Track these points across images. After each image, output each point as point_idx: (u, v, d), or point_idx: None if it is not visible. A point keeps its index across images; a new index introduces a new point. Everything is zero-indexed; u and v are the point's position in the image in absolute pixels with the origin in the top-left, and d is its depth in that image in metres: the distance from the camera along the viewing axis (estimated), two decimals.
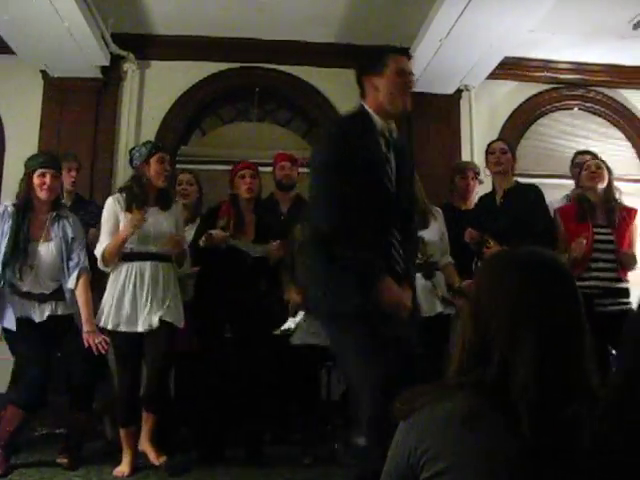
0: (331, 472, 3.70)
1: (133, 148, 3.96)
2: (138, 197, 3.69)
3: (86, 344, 3.60)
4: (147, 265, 3.65)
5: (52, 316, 3.70)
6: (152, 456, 3.63)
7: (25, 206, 3.69)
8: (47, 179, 3.69)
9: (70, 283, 3.72)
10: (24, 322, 3.63)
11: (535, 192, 4.11)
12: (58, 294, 3.73)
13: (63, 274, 3.72)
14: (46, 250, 3.70)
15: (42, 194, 3.70)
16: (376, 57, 2.82)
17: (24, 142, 5.44)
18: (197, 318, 3.97)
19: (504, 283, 1.26)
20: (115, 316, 3.60)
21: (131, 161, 3.86)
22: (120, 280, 3.63)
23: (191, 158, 5.75)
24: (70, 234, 3.77)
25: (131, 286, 3.61)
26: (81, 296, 3.72)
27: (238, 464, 3.79)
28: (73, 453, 3.73)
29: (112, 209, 3.71)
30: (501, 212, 4.04)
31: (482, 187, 4.79)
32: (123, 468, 3.58)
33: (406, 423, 1.23)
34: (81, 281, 3.74)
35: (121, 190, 3.81)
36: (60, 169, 3.86)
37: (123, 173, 5.38)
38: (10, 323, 3.60)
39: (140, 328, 3.59)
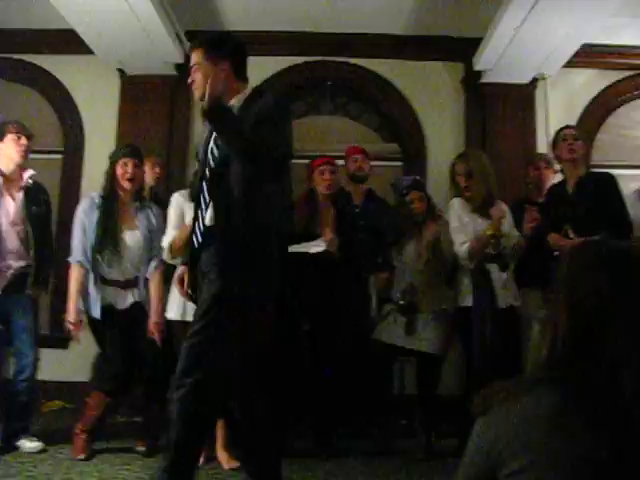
0: (406, 466, 3.71)
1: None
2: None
3: (152, 334, 3.74)
4: None
5: (133, 303, 3.84)
6: (224, 460, 3.67)
7: (111, 196, 3.84)
8: (129, 168, 3.83)
9: (148, 272, 3.86)
10: (107, 310, 3.75)
11: (608, 180, 3.95)
12: (135, 282, 3.87)
13: (144, 262, 3.87)
14: (133, 238, 3.85)
15: (125, 183, 3.84)
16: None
17: (103, 139, 5.61)
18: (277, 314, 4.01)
19: (616, 277, 1.20)
20: (179, 306, 3.67)
21: (197, 154, 3.92)
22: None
23: None
24: (154, 224, 3.92)
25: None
26: (156, 287, 3.86)
27: (308, 456, 3.83)
28: (149, 441, 3.84)
29: (177, 203, 3.79)
30: (574, 201, 3.91)
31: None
32: None
33: (484, 419, 1.21)
34: (157, 272, 3.88)
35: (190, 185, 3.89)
36: (142, 160, 3.99)
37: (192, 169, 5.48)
38: (96, 311, 3.73)
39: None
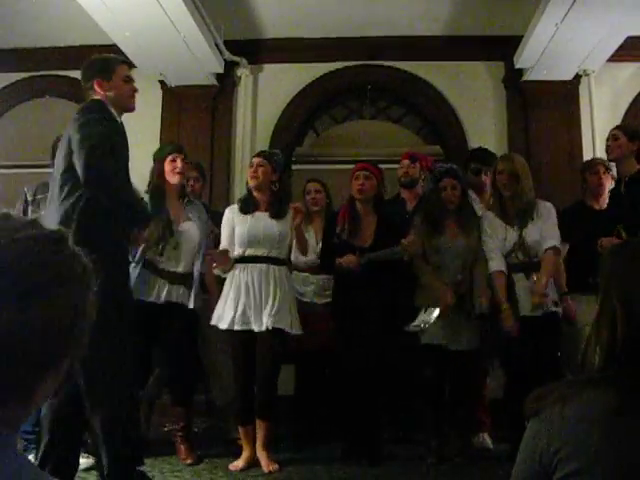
0: (455, 472, 3.67)
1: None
2: (247, 203, 3.92)
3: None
4: (257, 267, 3.77)
5: (170, 302, 3.84)
6: (264, 463, 3.68)
7: (159, 192, 3.87)
8: (178, 163, 3.92)
9: (202, 266, 3.94)
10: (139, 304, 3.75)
11: None
12: (188, 278, 3.90)
13: (198, 257, 3.94)
14: (189, 228, 3.94)
15: (174, 178, 3.92)
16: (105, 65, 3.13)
17: (146, 152, 5.66)
18: (335, 319, 4.03)
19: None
20: (229, 315, 3.72)
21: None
22: (234, 282, 3.78)
23: (306, 158, 5.83)
24: (204, 217, 4.05)
25: (243, 288, 3.74)
26: (211, 282, 4.01)
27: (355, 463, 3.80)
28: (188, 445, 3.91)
29: (226, 218, 3.94)
30: (625, 201, 3.85)
31: None
32: (238, 462, 3.70)
33: (536, 421, 1.19)
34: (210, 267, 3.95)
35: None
36: (186, 156, 4.06)
37: (240, 177, 5.53)
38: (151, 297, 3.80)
39: (254, 327, 3.70)
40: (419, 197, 4.53)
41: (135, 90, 3.21)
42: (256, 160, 3.95)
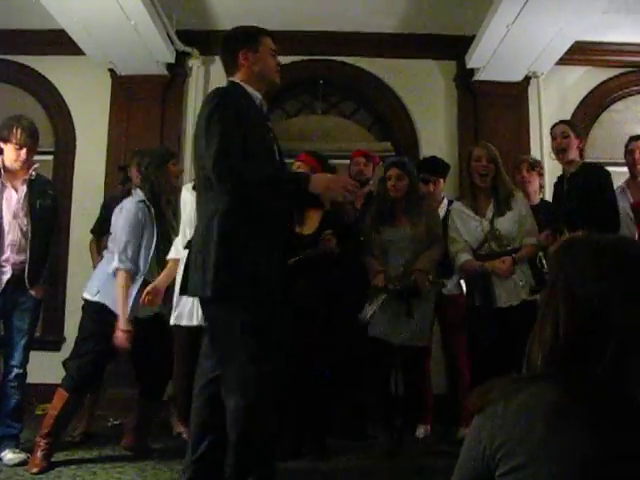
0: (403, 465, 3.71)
1: None
2: None
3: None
4: None
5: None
6: None
7: (159, 200, 3.79)
8: (180, 167, 4.00)
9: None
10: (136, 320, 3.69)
11: (599, 173, 3.90)
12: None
13: None
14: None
15: (176, 181, 3.94)
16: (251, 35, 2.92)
17: (94, 140, 5.59)
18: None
19: (614, 270, 1.19)
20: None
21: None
22: None
23: None
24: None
25: None
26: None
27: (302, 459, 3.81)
28: (138, 439, 3.85)
29: (185, 199, 3.84)
30: (567, 197, 3.90)
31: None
32: None
33: (480, 416, 1.20)
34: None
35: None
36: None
37: (190, 167, 5.47)
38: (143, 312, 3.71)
39: (195, 322, 3.67)
40: (365, 196, 4.55)
41: (280, 65, 2.99)
42: None
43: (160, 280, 3.71)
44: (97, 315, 3.67)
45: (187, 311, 3.75)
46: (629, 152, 4.42)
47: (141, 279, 3.68)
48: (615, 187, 4.06)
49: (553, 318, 1.21)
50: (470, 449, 1.21)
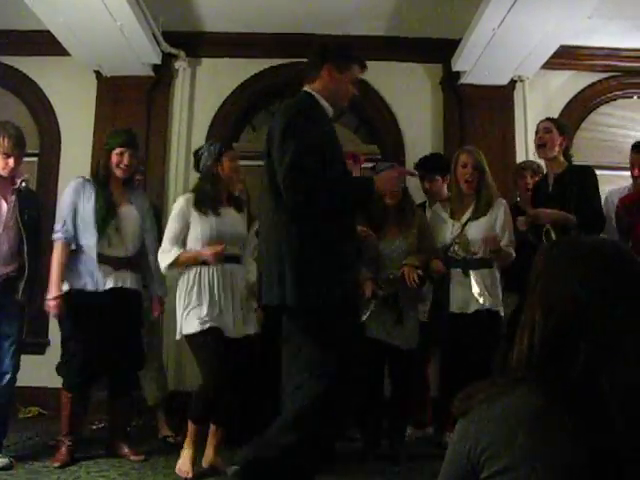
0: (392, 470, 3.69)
1: (198, 150, 3.88)
2: (213, 199, 3.67)
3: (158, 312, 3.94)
4: (225, 268, 3.62)
5: (117, 288, 3.76)
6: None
7: (103, 179, 3.83)
8: (125, 159, 3.83)
9: (151, 249, 3.88)
10: (84, 294, 3.69)
11: (586, 175, 3.88)
12: (131, 262, 3.85)
13: (142, 240, 3.91)
14: (129, 212, 3.87)
15: (118, 172, 3.85)
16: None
17: (79, 142, 5.56)
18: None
19: (590, 272, 1.20)
20: (208, 315, 3.51)
21: (197, 162, 3.82)
22: (204, 281, 3.56)
23: (242, 154, 5.76)
24: (146, 203, 4.02)
25: (216, 289, 3.56)
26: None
27: None
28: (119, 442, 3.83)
29: (182, 210, 3.66)
30: (553, 198, 3.88)
31: None
32: (187, 467, 3.50)
33: (464, 420, 1.20)
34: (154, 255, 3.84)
35: (194, 191, 3.77)
36: (137, 148, 3.99)
37: (175, 170, 5.47)
38: (95, 285, 3.71)
39: (231, 333, 3.57)
40: None
41: (355, 95, 3.01)
42: None
43: None
44: (68, 307, 3.68)
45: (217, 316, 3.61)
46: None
47: (93, 252, 3.70)
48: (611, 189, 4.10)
49: (531, 322, 1.22)
50: (455, 452, 1.22)
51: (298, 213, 2.60)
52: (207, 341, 3.48)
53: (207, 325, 3.48)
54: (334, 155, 2.73)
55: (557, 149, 3.96)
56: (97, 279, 3.70)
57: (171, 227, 3.64)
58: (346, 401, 2.69)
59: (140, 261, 3.92)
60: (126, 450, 3.82)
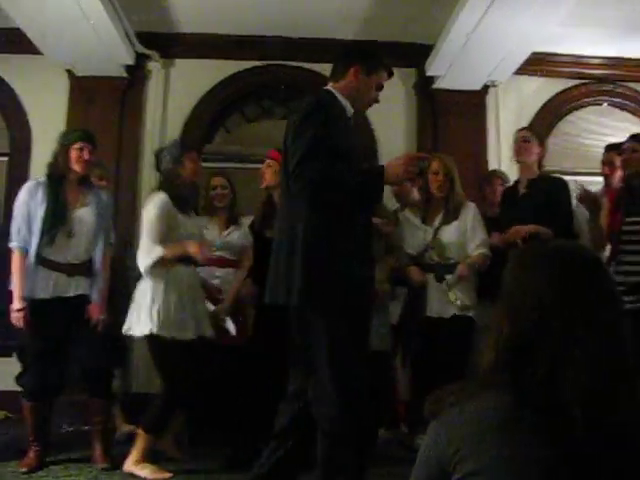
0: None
1: (160, 151, 3.85)
2: (184, 204, 3.67)
3: (97, 316, 3.66)
4: (189, 269, 3.64)
5: (74, 296, 3.65)
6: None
7: (58, 177, 3.68)
8: (85, 153, 3.70)
9: (99, 255, 3.75)
10: (45, 301, 3.59)
11: (559, 184, 3.99)
12: (86, 268, 3.72)
13: (96, 245, 3.74)
14: (84, 215, 3.71)
15: (77, 167, 3.70)
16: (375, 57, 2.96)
17: (50, 141, 5.44)
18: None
19: (553, 277, 1.21)
20: (178, 322, 3.52)
21: (158, 164, 3.78)
22: (172, 284, 3.55)
23: (215, 156, 5.75)
24: (105, 201, 3.84)
25: (185, 291, 3.57)
26: (105, 273, 3.74)
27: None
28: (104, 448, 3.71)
29: (166, 210, 3.61)
30: (522, 203, 3.95)
31: None
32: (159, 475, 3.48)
33: (436, 422, 1.21)
34: (106, 257, 3.77)
35: (166, 191, 3.69)
36: (96, 147, 3.84)
37: (149, 171, 5.41)
38: (43, 292, 3.58)
39: (192, 335, 3.56)
40: None
41: (377, 100, 2.99)
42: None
43: None
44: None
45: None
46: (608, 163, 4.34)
47: (45, 258, 3.57)
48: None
49: (497, 327, 1.23)
50: (426, 455, 1.22)
51: (309, 208, 2.58)
52: (171, 344, 3.47)
53: (174, 326, 3.49)
54: (349, 152, 2.71)
55: (534, 157, 4.06)
56: (50, 287, 3.59)
57: (154, 227, 3.57)
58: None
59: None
60: (97, 453, 3.70)
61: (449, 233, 3.94)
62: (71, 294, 3.65)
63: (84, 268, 3.70)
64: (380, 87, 2.94)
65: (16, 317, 3.53)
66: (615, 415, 1.10)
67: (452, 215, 3.97)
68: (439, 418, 1.20)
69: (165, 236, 3.56)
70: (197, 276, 3.73)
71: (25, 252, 3.58)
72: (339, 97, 2.84)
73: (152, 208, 3.61)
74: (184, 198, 3.67)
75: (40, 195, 3.62)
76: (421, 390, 3.84)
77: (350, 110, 2.88)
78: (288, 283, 2.56)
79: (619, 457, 1.07)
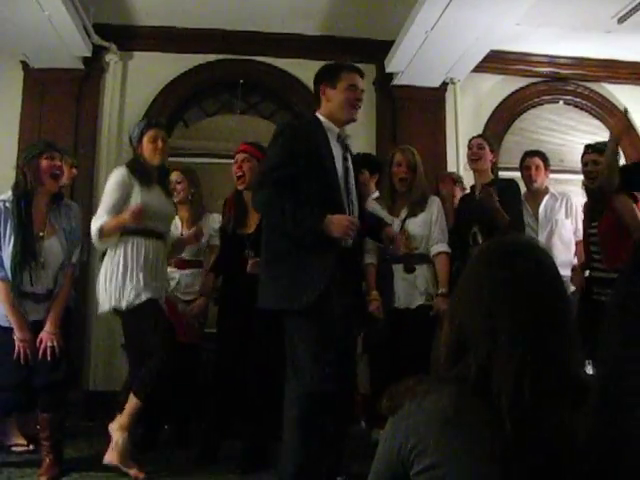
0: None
1: (133, 129, 3.80)
2: (143, 177, 3.59)
3: (45, 344, 3.42)
4: (152, 243, 3.57)
5: (38, 321, 3.48)
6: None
7: (26, 197, 3.44)
8: (56, 162, 3.52)
9: (61, 279, 3.57)
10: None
11: (510, 186, 4.10)
12: (50, 294, 3.54)
13: (63, 270, 3.57)
14: (53, 245, 3.51)
15: (49, 180, 3.48)
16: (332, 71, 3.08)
17: (4, 134, 5.37)
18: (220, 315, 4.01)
19: (472, 280, 1.26)
20: (147, 286, 3.48)
21: (130, 141, 3.77)
22: (132, 255, 3.50)
23: (174, 151, 5.69)
24: (73, 223, 3.63)
25: (143, 262, 3.50)
26: (64, 293, 3.57)
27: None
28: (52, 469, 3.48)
29: (124, 182, 3.54)
30: (480, 206, 4.00)
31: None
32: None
33: (394, 418, 1.22)
34: (68, 277, 3.60)
35: (128, 166, 3.63)
36: (62, 154, 3.68)
37: (105, 164, 5.32)
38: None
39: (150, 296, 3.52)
40: None
41: (358, 99, 3.04)
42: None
43: None
44: None
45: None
46: (525, 167, 4.62)
47: (9, 284, 3.39)
48: None
49: (446, 326, 1.29)
50: (385, 449, 1.23)
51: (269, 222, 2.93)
52: (149, 312, 3.47)
53: (147, 296, 3.46)
54: (319, 175, 2.86)
55: (488, 164, 4.19)
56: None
57: (107, 197, 3.52)
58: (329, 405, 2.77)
59: None
60: (44, 467, 3.47)
61: (416, 225, 3.95)
62: (38, 318, 3.49)
63: (50, 295, 3.53)
64: (353, 86, 3.02)
65: (21, 348, 3.38)
66: (547, 411, 1.13)
67: (418, 207, 3.98)
68: (398, 412, 1.21)
69: (121, 207, 3.49)
70: (163, 251, 3.68)
71: (6, 282, 3.40)
72: (323, 120, 3.00)
73: (110, 180, 3.59)
74: (144, 172, 3.60)
75: (8, 224, 3.40)
76: (381, 384, 3.86)
77: (335, 129, 3.01)
78: (266, 290, 2.87)
79: (553, 447, 1.10)
